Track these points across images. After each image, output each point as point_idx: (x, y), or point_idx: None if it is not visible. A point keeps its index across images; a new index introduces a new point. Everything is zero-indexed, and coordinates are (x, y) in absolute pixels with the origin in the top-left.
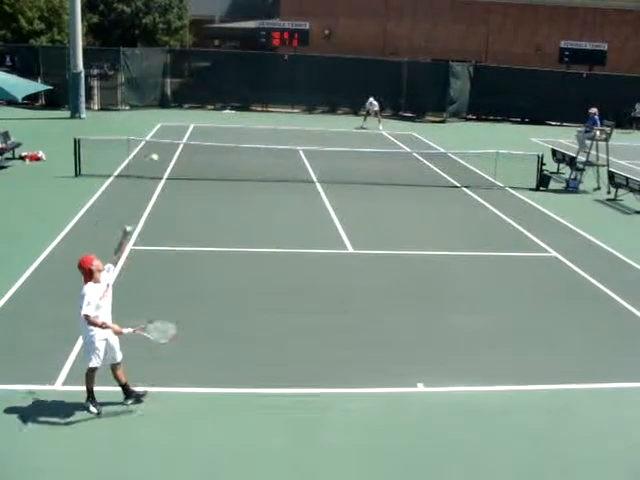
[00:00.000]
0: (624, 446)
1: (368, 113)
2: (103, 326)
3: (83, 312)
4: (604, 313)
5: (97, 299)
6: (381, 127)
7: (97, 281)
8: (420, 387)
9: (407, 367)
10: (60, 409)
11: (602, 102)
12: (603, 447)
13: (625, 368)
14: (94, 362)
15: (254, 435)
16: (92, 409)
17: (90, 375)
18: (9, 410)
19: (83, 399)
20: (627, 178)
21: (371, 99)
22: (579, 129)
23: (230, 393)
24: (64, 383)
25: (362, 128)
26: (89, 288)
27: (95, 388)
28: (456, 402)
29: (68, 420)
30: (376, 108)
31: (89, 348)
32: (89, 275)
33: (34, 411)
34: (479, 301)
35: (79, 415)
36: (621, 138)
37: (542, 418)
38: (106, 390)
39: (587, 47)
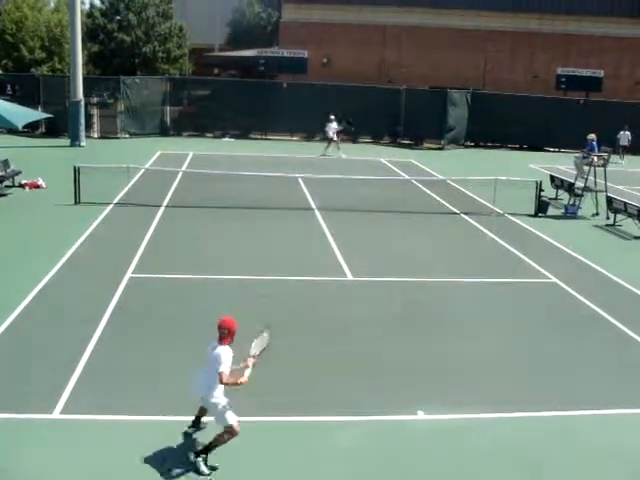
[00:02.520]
0: (625, 473)
1: (331, 139)
2: (238, 383)
3: (221, 369)
4: (604, 339)
5: (231, 361)
6: (343, 155)
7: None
8: (420, 415)
9: (407, 394)
10: (58, 438)
11: (599, 128)
12: (604, 474)
13: (626, 394)
14: (234, 417)
15: (249, 463)
16: (203, 468)
17: (230, 434)
18: (6, 439)
19: (83, 427)
20: (625, 203)
21: (332, 117)
22: (577, 155)
23: None
24: (62, 412)
25: (324, 155)
26: (228, 349)
27: (91, 417)
28: (456, 429)
29: (66, 449)
30: (333, 133)
31: (223, 408)
32: (230, 336)
33: (31, 440)
34: (479, 328)
35: (77, 443)
36: (616, 165)
37: (543, 445)
38: (109, 419)
39: (583, 74)
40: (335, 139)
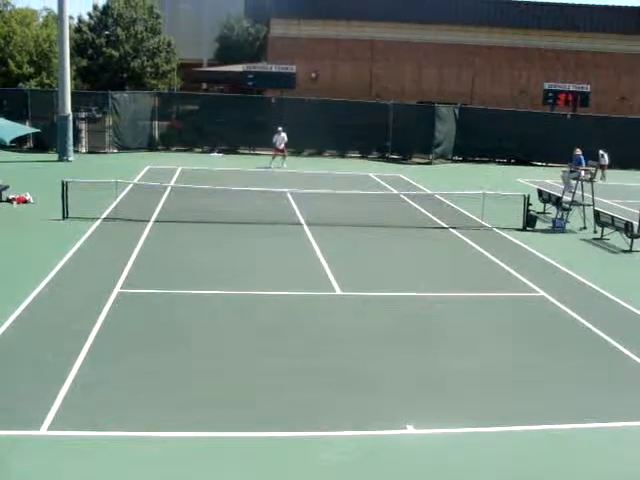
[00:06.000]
0: None
1: (279, 150)
2: None
3: None
4: (593, 352)
5: None
6: (285, 165)
7: None
8: (410, 429)
9: (396, 409)
10: (46, 455)
11: (586, 143)
12: None
13: (617, 408)
14: None
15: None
16: None
17: None
18: None
19: (71, 444)
20: (612, 217)
21: (280, 128)
22: (564, 169)
23: (212, 437)
24: (50, 428)
25: (269, 167)
26: None
27: (79, 433)
28: (446, 444)
29: (54, 466)
30: (280, 144)
31: None
32: None
33: (18, 457)
34: (468, 342)
35: (65, 461)
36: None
37: (535, 460)
38: (97, 435)
39: (570, 89)
40: (284, 150)
